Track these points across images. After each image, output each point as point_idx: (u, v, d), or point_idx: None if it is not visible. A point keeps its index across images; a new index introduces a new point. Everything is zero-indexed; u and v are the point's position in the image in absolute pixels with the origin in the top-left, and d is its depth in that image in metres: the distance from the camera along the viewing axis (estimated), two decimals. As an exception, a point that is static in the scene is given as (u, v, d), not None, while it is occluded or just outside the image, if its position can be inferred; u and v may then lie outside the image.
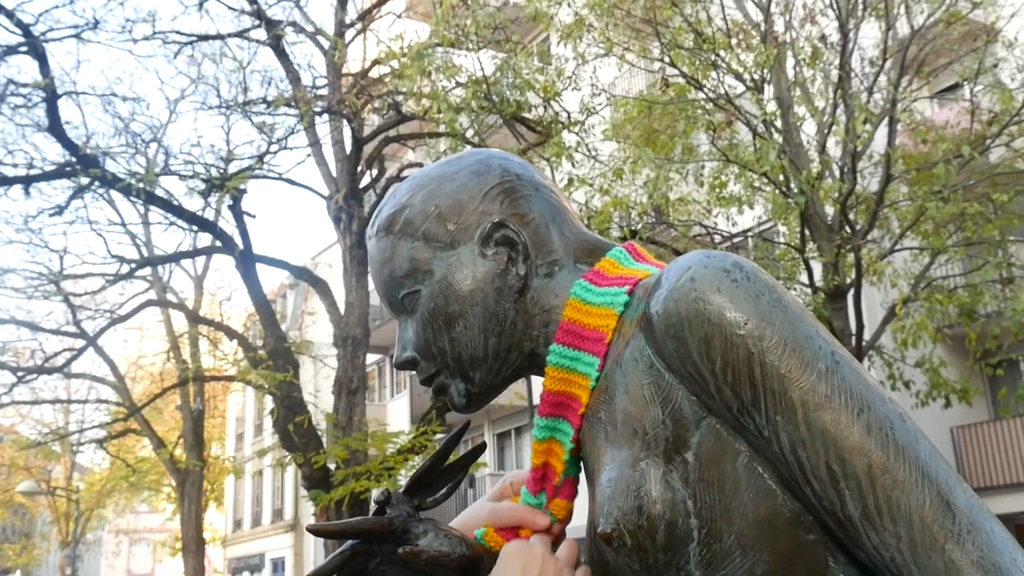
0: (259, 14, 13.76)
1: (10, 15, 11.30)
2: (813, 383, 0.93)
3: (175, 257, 18.21)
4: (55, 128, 11.73)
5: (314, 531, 1.13)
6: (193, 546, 23.31)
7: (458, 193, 1.16)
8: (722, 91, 10.08)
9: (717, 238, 11.56)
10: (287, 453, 13.09)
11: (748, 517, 0.97)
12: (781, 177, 9.53)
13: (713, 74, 10.27)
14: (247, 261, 13.11)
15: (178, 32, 14.19)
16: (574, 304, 1.13)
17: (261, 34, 14.27)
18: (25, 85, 11.90)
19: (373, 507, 1.17)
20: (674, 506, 0.98)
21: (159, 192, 12.73)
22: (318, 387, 20.55)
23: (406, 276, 1.16)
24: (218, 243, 13.59)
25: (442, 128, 11.52)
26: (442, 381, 1.18)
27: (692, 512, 0.98)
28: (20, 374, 17.08)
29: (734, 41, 10.18)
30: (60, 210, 13.18)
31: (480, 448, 1.25)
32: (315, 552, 29.32)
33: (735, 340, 0.95)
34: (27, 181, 12.40)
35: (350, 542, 1.15)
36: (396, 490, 1.19)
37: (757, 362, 0.94)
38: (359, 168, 13.93)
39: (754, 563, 0.97)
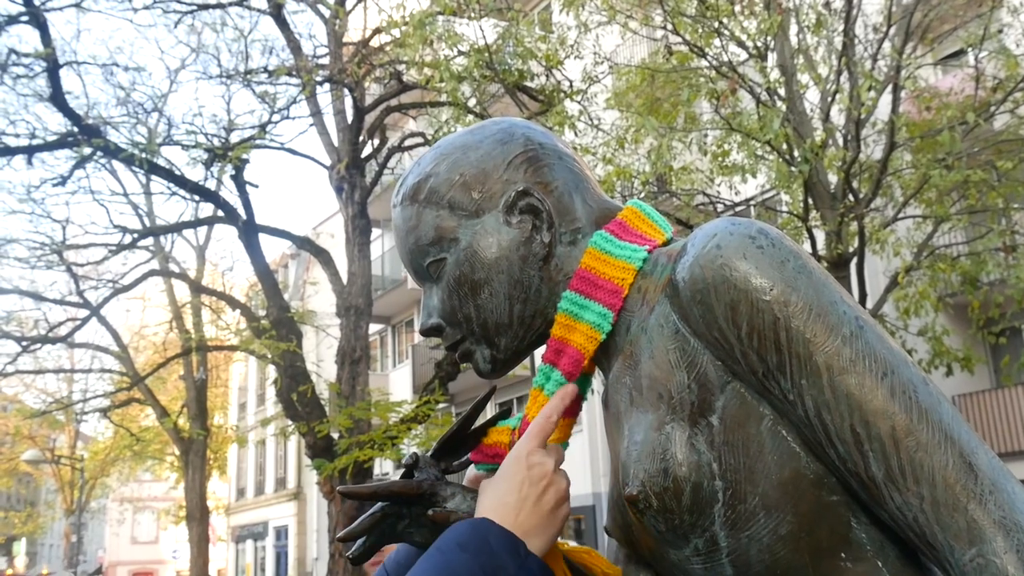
0: (259, -18, 13.68)
1: (10, -17, 11.24)
2: (838, 347, 0.95)
3: (177, 227, 18.19)
4: (57, 98, 11.67)
5: (346, 493, 1.15)
6: (197, 514, 23.47)
7: (482, 162, 1.17)
8: (725, 59, 10.03)
9: (720, 207, 11.54)
10: (290, 422, 13.13)
11: (772, 479, 0.99)
12: (785, 145, 9.51)
13: (716, 42, 10.20)
14: (249, 231, 13.08)
15: (178, 1, 14.08)
16: (593, 252, 1.15)
17: (261, 2, 14.17)
18: (26, 55, 11.79)
19: (402, 471, 1.19)
20: (699, 468, 1.01)
21: (161, 162, 12.67)
22: (320, 357, 20.61)
23: (432, 244, 1.17)
24: (220, 213, 13.55)
25: (444, 97, 11.45)
26: (467, 347, 1.19)
27: (717, 474, 1.00)
28: (24, 343, 17.13)
29: (737, 8, 10.11)
30: (63, 180, 13.13)
31: (504, 414, 1.27)
32: (318, 520, 29.51)
33: (761, 306, 0.97)
34: (29, 151, 12.35)
35: (380, 504, 1.17)
36: (423, 454, 1.21)
37: (783, 327, 0.96)
38: (361, 138, 13.87)
39: (778, 524, 0.99)
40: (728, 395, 1.01)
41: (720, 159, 10.61)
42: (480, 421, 1.29)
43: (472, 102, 11.34)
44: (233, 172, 12.76)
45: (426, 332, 1.21)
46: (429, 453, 1.24)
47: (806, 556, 1.00)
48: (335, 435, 12.40)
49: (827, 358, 0.95)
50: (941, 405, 0.95)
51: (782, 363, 0.97)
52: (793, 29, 10.54)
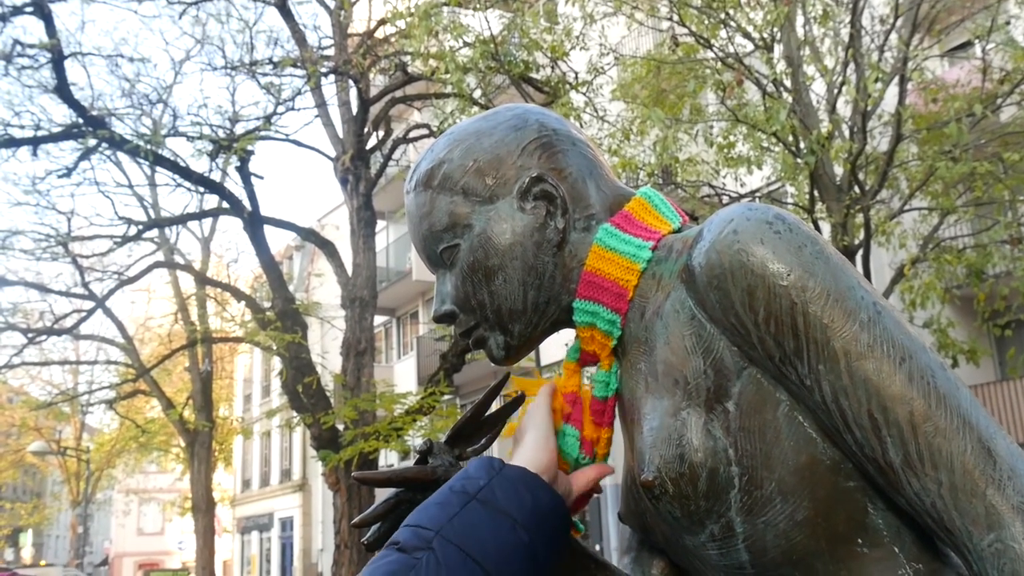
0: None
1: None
2: (855, 333, 0.95)
3: (182, 219, 18.18)
4: (62, 89, 11.68)
5: (360, 479, 1.15)
6: (203, 506, 23.55)
7: (496, 148, 1.16)
8: (731, 50, 10.00)
9: (725, 199, 11.52)
10: (295, 414, 13.16)
11: (789, 465, 0.99)
12: (791, 137, 9.48)
13: (722, 33, 10.17)
14: (255, 223, 13.09)
15: (183, -9, 14.07)
16: (597, 251, 1.14)
17: (266, -7, 14.15)
18: (32, 46, 11.80)
19: (416, 457, 1.19)
20: (715, 454, 1.00)
21: (166, 153, 12.68)
22: (325, 348, 20.64)
23: (445, 230, 1.17)
24: (225, 205, 13.57)
25: (449, 89, 11.45)
26: (481, 334, 1.19)
27: (733, 460, 1.00)
28: (30, 335, 17.18)
29: (744, -1, 10.08)
30: (68, 172, 13.13)
31: (519, 400, 1.27)
32: (323, 511, 29.60)
33: (778, 291, 0.96)
34: (35, 143, 12.36)
35: (395, 490, 1.17)
36: (437, 440, 1.21)
37: (800, 312, 0.96)
38: (366, 129, 13.87)
39: (795, 509, 0.99)
40: (744, 381, 1.01)
41: (726, 151, 10.59)
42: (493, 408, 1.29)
43: (477, 93, 11.33)
44: (238, 164, 12.77)
45: (439, 318, 1.20)
46: (444, 439, 1.24)
47: (823, 542, 1.00)
48: (340, 426, 12.43)
49: (845, 343, 0.95)
50: (959, 391, 0.95)
51: (799, 348, 0.96)
52: (800, 20, 10.50)
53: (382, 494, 1.19)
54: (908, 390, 0.93)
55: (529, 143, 1.16)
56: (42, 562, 46.59)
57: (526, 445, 1.09)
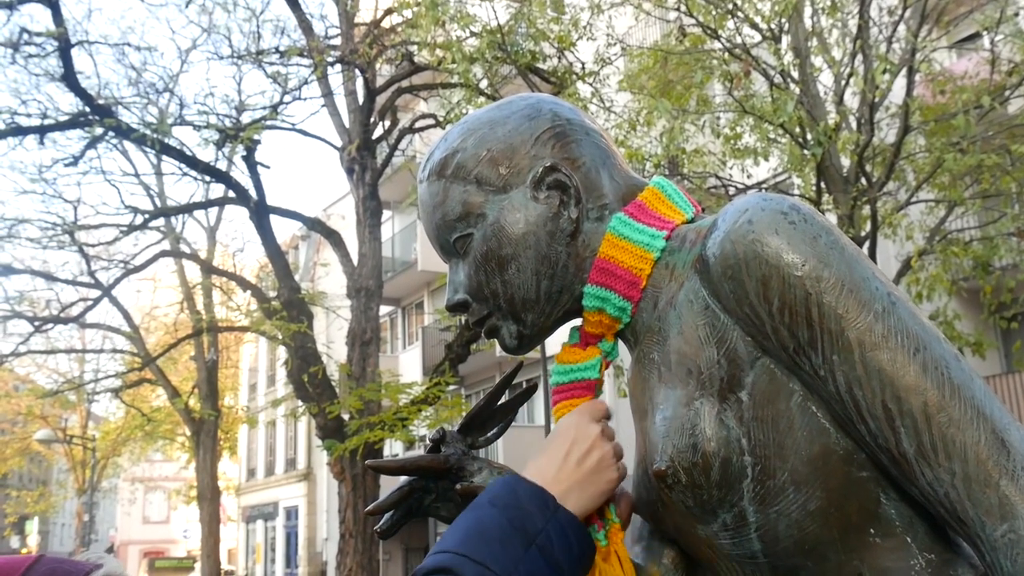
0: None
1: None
2: (870, 323, 0.95)
3: (189, 208, 18.18)
4: (69, 78, 11.66)
5: (373, 467, 1.15)
6: (208, 494, 23.61)
7: (510, 137, 1.16)
8: (739, 41, 9.96)
9: (732, 190, 11.49)
10: (301, 403, 13.18)
11: (802, 455, 0.99)
12: (798, 128, 9.46)
13: (730, 23, 10.14)
14: (261, 212, 13.09)
15: (189, -20, 14.05)
16: (610, 240, 1.14)
17: (273, -18, 14.14)
18: (39, 34, 11.79)
19: (428, 445, 1.19)
20: (728, 444, 1.01)
21: (172, 142, 12.67)
22: (331, 338, 20.64)
23: (459, 219, 1.17)
24: (231, 194, 13.56)
25: (455, 79, 11.43)
26: (493, 323, 1.19)
27: (746, 450, 1.00)
28: (36, 324, 17.19)
29: (751, -11, 10.04)
30: (74, 160, 13.14)
31: (531, 389, 1.27)
32: (328, 501, 29.64)
33: (792, 281, 0.96)
34: (41, 131, 12.35)
35: (407, 479, 1.17)
36: (450, 429, 1.21)
37: (814, 303, 0.96)
38: (372, 119, 13.86)
39: (807, 499, 0.99)
40: (758, 371, 1.01)
41: (732, 142, 10.56)
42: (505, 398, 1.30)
43: (484, 84, 11.31)
44: (244, 153, 12.77)
45: (452, 308, 1.20)
46: (456, 428, 1.24)
47: (835, 531, 1.00)
48: (345, 416, 12.43)
49: (859, 334, 0.95)
50: (973, 382, 0.95)
51: (814, 339, 0.96)
52: (807, 11, 10.46)
53: (388, 483, 1.19)
54: (922, 380, 0.93)
55: (543, 133, 1.16)
56: (27, 549, 46.39)
57: (579, 488, 1.07)
